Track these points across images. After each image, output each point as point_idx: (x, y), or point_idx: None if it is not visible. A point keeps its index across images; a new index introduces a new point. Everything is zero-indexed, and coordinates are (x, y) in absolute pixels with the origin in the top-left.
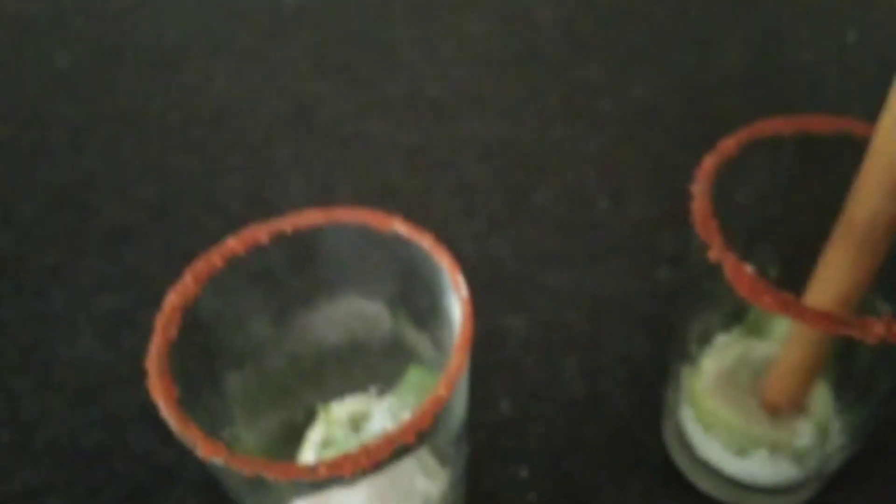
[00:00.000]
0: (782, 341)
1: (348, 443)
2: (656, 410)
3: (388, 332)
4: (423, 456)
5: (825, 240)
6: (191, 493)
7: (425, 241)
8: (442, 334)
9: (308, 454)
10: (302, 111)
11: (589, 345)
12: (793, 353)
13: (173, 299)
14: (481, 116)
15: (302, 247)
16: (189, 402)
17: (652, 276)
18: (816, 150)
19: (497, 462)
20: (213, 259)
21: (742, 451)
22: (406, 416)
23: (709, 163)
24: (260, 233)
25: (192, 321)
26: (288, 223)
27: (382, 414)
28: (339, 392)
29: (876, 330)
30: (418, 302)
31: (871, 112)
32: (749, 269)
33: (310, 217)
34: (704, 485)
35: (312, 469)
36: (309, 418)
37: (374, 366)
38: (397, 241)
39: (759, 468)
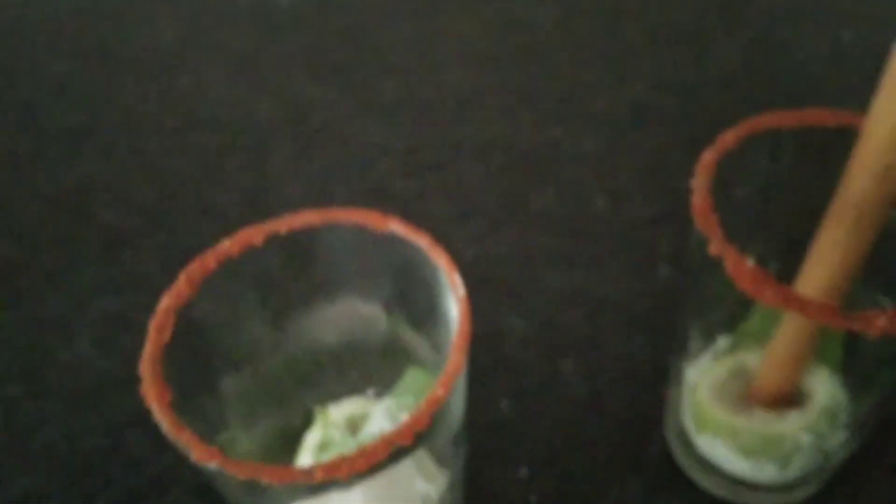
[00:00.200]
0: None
1: (346, 445)
2: (656, 409)
3: (386, 333)
4: (422, 457)
5: None
6: (187, 498)
7: (422, 241)
8: (440, 335)
9: (305, 457)
10: (297, 114)
11: (588, 344)
12: (783, 342)
13: (166, 302)
14: (477, 118)
15: (298, 248)
16: (184, 406)
17: (651, 275)
18: (815, 144)
19: (497, 463)
20: (208, 261)
21: (742, 449)
22: (404, 416)
23: (708, 157)
24: (255, 234)
25: (187, 324)
26: (283, 224)
27: (380, 416)
28: (337, 394)
29: (878, 323)
30: (416, 303)
31: (867, 109)
32: (750, 262)
33: (305, 218)
34: (706, 483)
35: (308, 472)
36: (306, 421)
37: (372, 368)
38: (394, 241)
39: (760, 465)
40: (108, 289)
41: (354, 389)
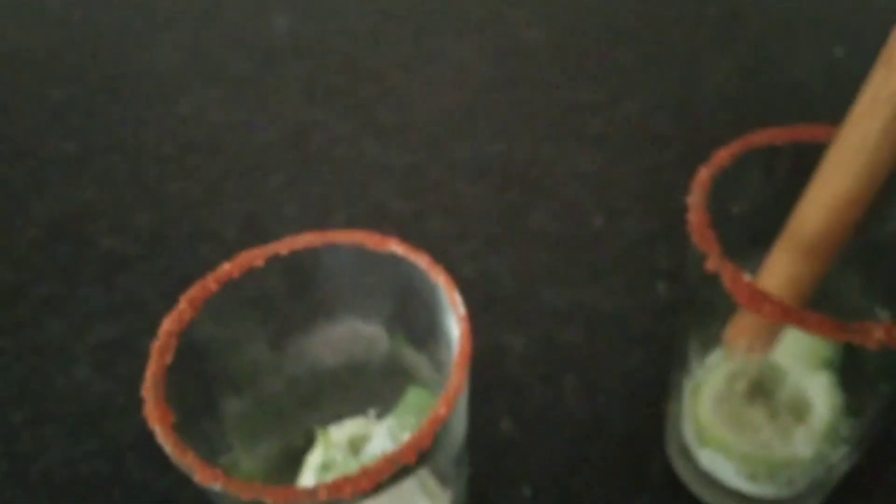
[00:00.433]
0: (781, 348)
1: (348, 466)
2: (658, 426)
3: (386, 353)
4: (424, 477)
5: None
6: None
7: (422, 261)
8: (440, 354)
9: (307, 478)
10: (295, 137)
11: (588, 362)
12: (784, 265)
13: (168, 325)
14: (474, 138)
15: (298, 270)
16: (186, 428)
17: (649, 291)
18: (810, 160)
19: (499, 482)
20: (209, 284)
21: (745, 470)
22: (406, 436)
23: (704, 174)
24: (255, 256)
25: (188, 346)
26: (284, 246)
27: (382, 436)
28: (338, 415)
29: (876, 335)
30: (416, 322)
31: None
32: (747, 277)
33: (305, 240)
34: (709, 497)
35: (312, 492)
36: (308, 442)
37: (373, 388)
38: (394, 261)
39: (762, 480)
40: (107, 314)
41: (356, 410)
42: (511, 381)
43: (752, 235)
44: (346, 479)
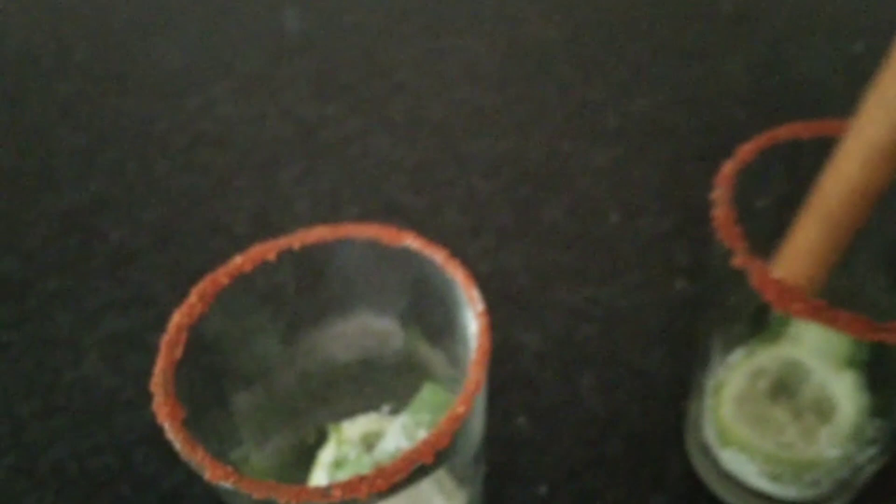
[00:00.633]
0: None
1: (361, 463)
2: (676, 424)
3: (401, 348)
4: (441, 476)
5: None
6: None
7: (438, 256)
8: (457, 350)
9: (320, 475)
10: (307, 132)
11: (604, 358)
12: (807, 233)
13: (178, 319)
14: (487, 134)
15: (311, 263)
16: (196, 424)
17: (667, 288)
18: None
19: (515, 480)
20: (220, 277)
21: (769, 472)
22: (420, 434)
23: (728, 168)
24: (268, 250)
25: (199, 341)
26: (297, 240)
27: (396, 433)
28: (351, 411)
29: None
30: (431, 317)
31: None
32: (775, 274)
33: (318, 233)
34: (730, 498)
35: (326, 492)
36: (320, 438)
37: (387, 384)
38: (408, 256)
39: (786, 481)
40: (117, 307)
41: (369, 406)
42: (526, 378)
43: (774, 232)
44: (362, 479)
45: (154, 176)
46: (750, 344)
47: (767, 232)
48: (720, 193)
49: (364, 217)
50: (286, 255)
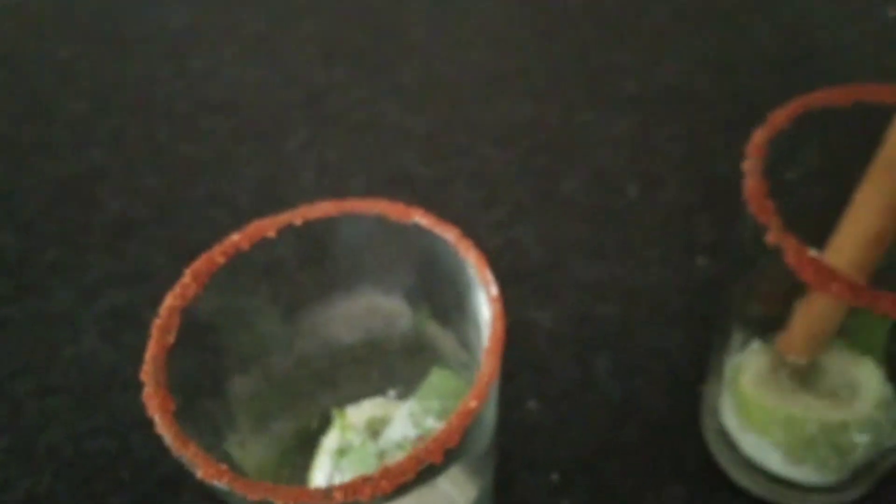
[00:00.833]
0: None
1: (366, 451)
2: (695, 408)
3: (409, 329)
4: (452, 468)
5: None
6: (198, 500)
7: (449, 234)
8: (468, 332)
9: (323, 461)
10: (313, 98)
11: (621, 340)
12: (812, 307)
13: (171, 302)
14: (501, 100)
15: (314, 240)
16: (190, 411)
17: (688, 265)
18: (873, 123)
19: (527, 468)
20: (215, 257)
21: (795, 445)
22: (429, 422)
23: (759, 137)
24: (267, 226)
25: (193, 323)
26: (298, 215)
27: (403, 419)
28: (356, 395)
29: None
30: (441, 298)
31: None
32: (812, 252)
33: (322, 209)
34: (749, 484)
35: (326, 494)
36: (323, 424)
37: (394, 367)
38: (418, 232)
39: (810, 465)
40: (116, 282)
41: (375, 390)
42: (538, 360)
43: (807, 205)
44: (366, 480)
45: (155, 144)
46: (777, 325)
47: (797, 206)
48: (751, 163)
49: (371, 188)
50: (287, 232)
